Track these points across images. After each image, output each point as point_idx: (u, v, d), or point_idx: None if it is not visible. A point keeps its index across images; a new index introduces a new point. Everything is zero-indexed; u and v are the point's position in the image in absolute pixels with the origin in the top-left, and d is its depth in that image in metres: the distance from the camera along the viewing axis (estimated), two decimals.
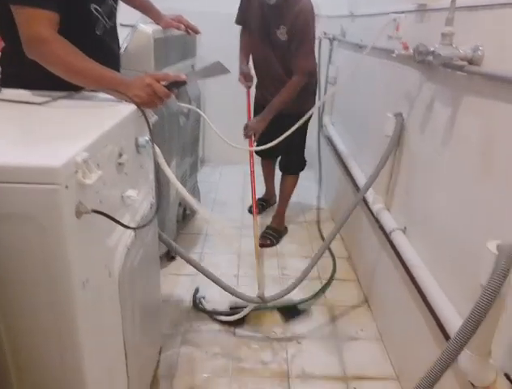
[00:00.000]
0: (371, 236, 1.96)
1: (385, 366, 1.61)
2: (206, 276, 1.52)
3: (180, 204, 2.29)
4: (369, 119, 2.10)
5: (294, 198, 2.59)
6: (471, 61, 1.12)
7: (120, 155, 0.95)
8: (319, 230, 2.60)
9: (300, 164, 2.47)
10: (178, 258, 2.17)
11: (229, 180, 3.32)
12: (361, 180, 2.03)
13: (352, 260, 2.29)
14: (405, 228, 1.57)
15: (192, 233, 2.48)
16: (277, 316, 1.84)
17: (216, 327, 1.76)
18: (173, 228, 2.20)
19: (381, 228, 1.73)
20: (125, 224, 0.84)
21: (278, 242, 2.46)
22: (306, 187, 3.01)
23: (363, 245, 2.14)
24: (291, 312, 1.87)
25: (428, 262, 1.35)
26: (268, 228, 2.52)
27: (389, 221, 1.66)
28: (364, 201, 1.95)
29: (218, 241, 2.41)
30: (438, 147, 1.33)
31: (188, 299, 1.91)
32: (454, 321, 1.11)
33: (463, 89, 1.19)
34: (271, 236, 2.45)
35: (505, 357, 0.95)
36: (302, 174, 2.51)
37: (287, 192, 2.50)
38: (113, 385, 0.99)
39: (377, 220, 1.77)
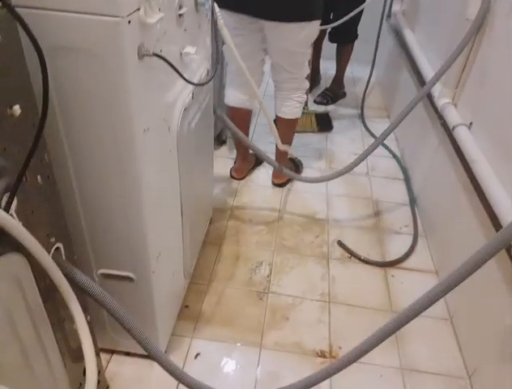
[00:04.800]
0: (430, 133, 1.86)
1: (425, 260, 1.63)
2: (256, 153, 1.56)
3: None
4: (448, 1, 1.86)
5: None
6: None
7: (180, 6, 0.91)
8: (365, 127, 2.52)
9: (355, 35, 2.53)
10: (228, 143, 2.20)
11: None
12: (430, 76, 1.86)
13: (405, 160, 2.22)
14: (471, 123, 1.47)
15: None
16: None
17: (264, 207, 1.82)
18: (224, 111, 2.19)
19: (444, 124, 1.63)
20: (185, 76, 0.83)
21: (333, 102, 2.72)
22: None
23: (419, 143, 2.04)
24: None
25: (493, 160, 1.28)
26: (327, 89, 2.74)
27: (454, 116, 1.55)
28: (428, 95, 1.81)
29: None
30: None
31: (237, 181, 1.97)
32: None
33: None
34: (328, 96, 2.71)
35: None
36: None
37: (344, 58, 2.62)
38: (168, 237, 1.08)
39: (441, 116, 1.65)
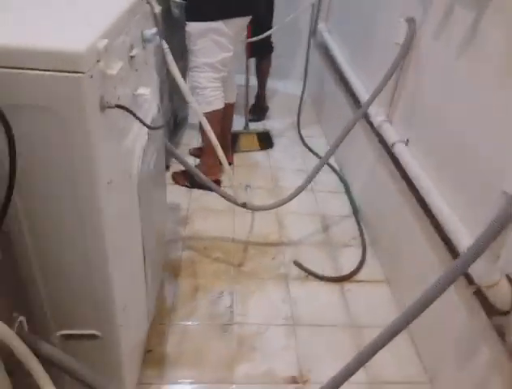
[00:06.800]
0: (367, 149, 1.97)
1: (376, 270, 1.72)
2: (202, 181, 1.58)
3: (171, 113, 2.20)
4: (375, 25, 1.98)
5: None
6: None
7: (132, 47, 0.87)
8: (304, 144, 2.59)
9: (272, 47, 2.69)
10: (171, 168, 2.15)
11: None
12: (361, 92, 1.97)
13: (344, 173, 2.32)
14: (407, 140, 1.57)
15: (183, 144, 2.43)
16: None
17: (216, 233, 1.80)
18: (166, 136, 2.13)
19: (382, 141, 1.73)
20: (146, 122, 0.79)
21: (263, 118, 2.85)
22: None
23: (357, 158, 2.15)
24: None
25: (430, 173, 1.38)
26: (254, 105, 2.82)
27: (391, 133, 1.65)
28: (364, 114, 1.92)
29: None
30: (454, 54, 1.28)
31: (185, 207, 1.92)
32: (456, 228, 1.16)
33: None
34: (257, 112, 2.81)
35: (508, 258, 1.00)
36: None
37: (265, 72, 2.77)
38: (132, 285, 1.02)
39: (378, 134, 1.76)
